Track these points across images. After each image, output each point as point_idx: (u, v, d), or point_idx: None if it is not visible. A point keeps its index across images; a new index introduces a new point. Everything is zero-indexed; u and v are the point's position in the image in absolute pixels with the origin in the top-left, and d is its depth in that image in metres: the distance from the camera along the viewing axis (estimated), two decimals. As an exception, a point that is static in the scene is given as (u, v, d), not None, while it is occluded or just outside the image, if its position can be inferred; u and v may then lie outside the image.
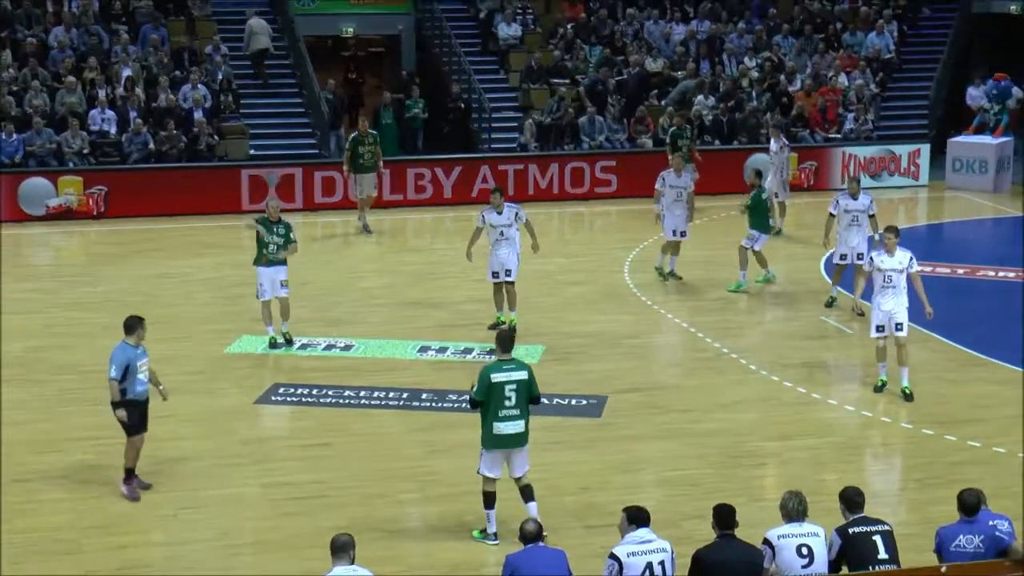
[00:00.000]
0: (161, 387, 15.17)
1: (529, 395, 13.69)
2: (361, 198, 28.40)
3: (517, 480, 13.98)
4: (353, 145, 28.25)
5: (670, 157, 27.15)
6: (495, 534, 13.87)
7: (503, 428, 13.63)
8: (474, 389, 13.74)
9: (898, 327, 17.89)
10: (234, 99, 32.03)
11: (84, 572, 13.28)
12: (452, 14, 35.93)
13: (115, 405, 14.77)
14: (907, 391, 17.99)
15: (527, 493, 13.89)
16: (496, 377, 13.61)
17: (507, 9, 35.46)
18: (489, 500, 13.91)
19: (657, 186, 24.04)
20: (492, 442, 13.71)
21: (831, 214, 22.33)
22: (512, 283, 20.71)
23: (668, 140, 29.49)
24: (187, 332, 20.76)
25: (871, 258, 18.38)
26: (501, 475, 13.86)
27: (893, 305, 17.89)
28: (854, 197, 22.19)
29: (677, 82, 33.92)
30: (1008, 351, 20.14)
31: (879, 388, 18.27)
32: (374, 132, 29.16)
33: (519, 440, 13.74)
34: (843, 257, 22.11)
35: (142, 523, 14.45)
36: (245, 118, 32.07)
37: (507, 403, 13.59)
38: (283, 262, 20.03)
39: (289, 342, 20.29)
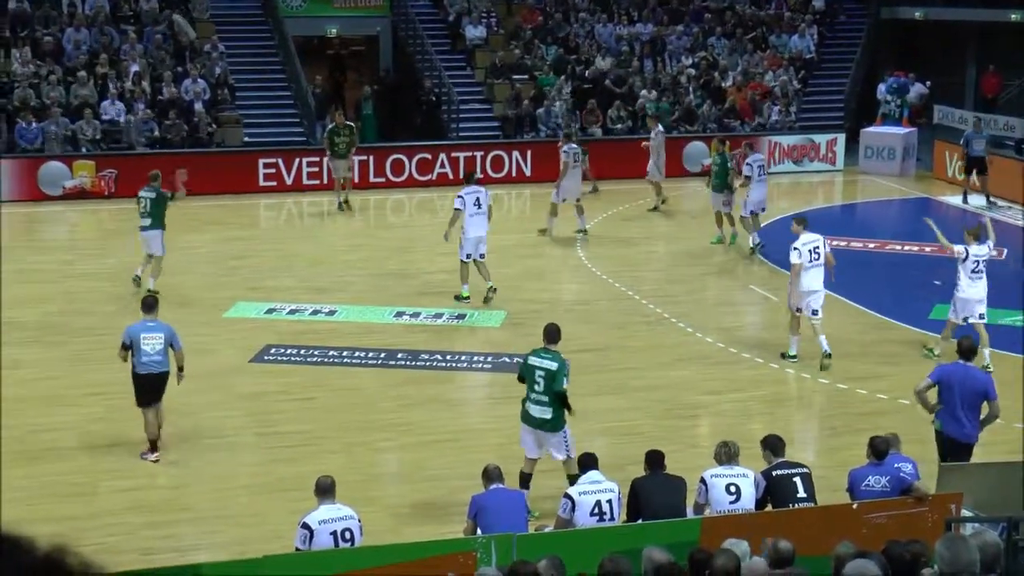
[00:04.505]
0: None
1: (552, 387, 12.78)
2: (338, 180, 28.44)
3: (564, 465, 13.08)
4: (330, 135, 28.34)
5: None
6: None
7: (531, 409, 12.95)
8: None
9: (815, 312, 17.40)
10: (230, 92, 31.81)
11: (95, 511, 13.26)
12: (424, 16, 35.72)
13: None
14: (827, 354, 17.49)
15: (572, 481, 12.30)
16: (532, 360, 13.02)
17: (473, 12, 35.31)
18: (523, 480, 12.98)
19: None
20: (522, 417, 13.08)
21: (746, 176, 23.67)
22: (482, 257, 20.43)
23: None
24: (189, 299, 20.65)
25: (797, 249, 17.36)
26: (535, 456, 13.11)
27: (818, 286, 17.36)
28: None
29: (623, 80, 33.78)
30: (910, 315, 20.27)
31: (791, 357, 17.81)
32: (349, 124, 29.10)
33: (543, 424, 12.90)
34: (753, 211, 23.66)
35: (149, 468, 14.40)
36: (240, 109, 31.85)
37: (536, 387, 12.86)
38: None
39: None
